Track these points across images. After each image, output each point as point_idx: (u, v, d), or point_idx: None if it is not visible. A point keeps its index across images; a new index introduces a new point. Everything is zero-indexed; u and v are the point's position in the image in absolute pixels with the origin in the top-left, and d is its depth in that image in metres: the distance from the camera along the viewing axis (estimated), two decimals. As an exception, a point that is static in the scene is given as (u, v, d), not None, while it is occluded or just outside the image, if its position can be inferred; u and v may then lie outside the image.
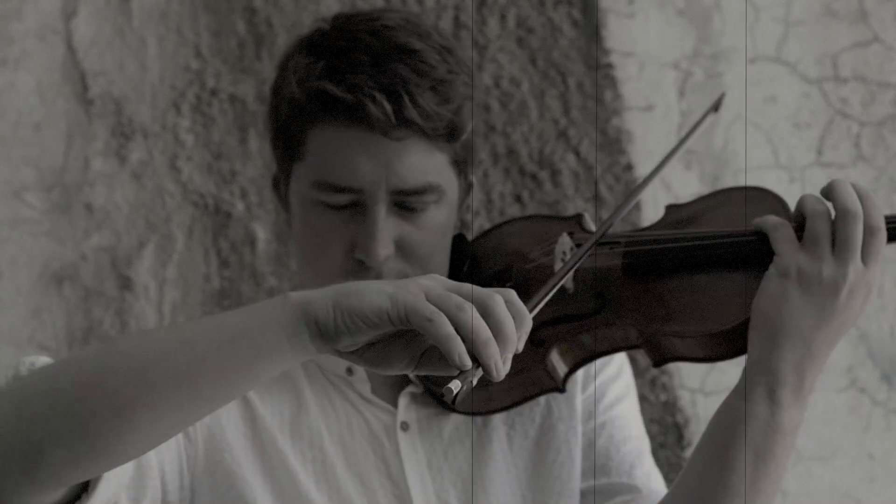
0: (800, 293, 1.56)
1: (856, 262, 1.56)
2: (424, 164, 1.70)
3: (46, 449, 1.29)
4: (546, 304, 1.48)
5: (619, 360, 1.84)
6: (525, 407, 1.76)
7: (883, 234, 1.57)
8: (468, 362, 1.26)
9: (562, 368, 1.69)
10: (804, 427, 2.46)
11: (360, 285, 1.30)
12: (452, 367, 1.27)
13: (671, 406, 2.41)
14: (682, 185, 2.43)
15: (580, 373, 1.78)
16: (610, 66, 2.45)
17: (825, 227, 1.57)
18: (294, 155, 1.72)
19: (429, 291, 1.29)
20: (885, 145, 2.47)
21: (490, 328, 1.28)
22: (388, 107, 1.66)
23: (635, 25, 2.45)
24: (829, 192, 1.59)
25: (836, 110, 2.48)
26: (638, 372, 2.41)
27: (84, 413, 1.28)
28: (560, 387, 1.69)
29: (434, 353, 1.32)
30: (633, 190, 1.64)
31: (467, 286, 1.31)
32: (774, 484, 1.60)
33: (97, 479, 1.37)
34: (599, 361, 1.79)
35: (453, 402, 1.28)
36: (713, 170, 2.45)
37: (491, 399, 1.72)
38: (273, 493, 1.66)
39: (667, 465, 2.38)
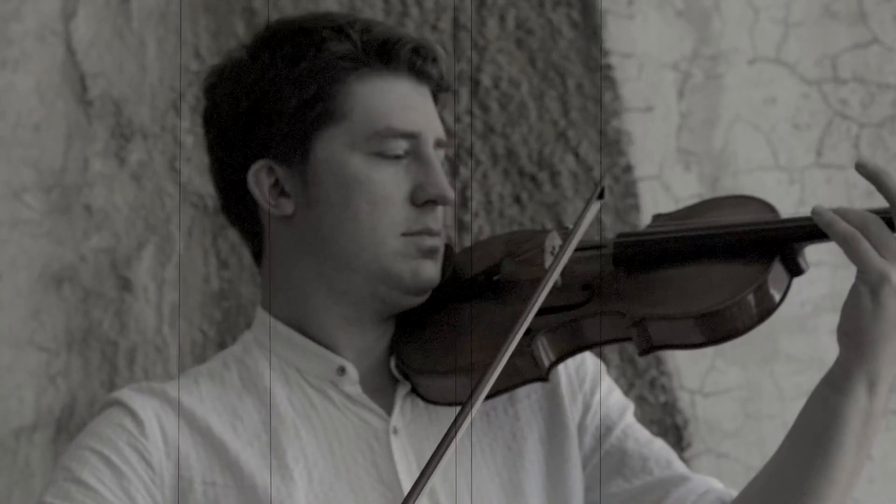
0: (893, 302, 1.58)
1: None
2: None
3: None
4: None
5: (608, 380, 1.84)
6: (505, 420, 1.76)
7: None
8: None
9: (548, 358, 1.70)
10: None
11: None
12: None
13: (670, 407, 2.41)
14: (682, 186, 2.43)
15: (580, 397, 1.78)
16: (609, 67, 2.45)
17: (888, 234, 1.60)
18: (326, 120, 1.72)
19: None
20: (884, 146, 2.47)
21: None
22: (429, 58, 1.74)
23: (634, 26, 2.45)
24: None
25: (835, 111, 2.48)
26: (637, 373, 2.41)
27: None
28: (544, 376, 1.70)
29: None
30: (561, 248, 1.66)
31: None
32: (862, 468, 1.66)
33: None
34: (590, 381, 1.80)
35: None
36: (712, 171, 2.45)
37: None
38: None
39: (666, 467, 2.38)
